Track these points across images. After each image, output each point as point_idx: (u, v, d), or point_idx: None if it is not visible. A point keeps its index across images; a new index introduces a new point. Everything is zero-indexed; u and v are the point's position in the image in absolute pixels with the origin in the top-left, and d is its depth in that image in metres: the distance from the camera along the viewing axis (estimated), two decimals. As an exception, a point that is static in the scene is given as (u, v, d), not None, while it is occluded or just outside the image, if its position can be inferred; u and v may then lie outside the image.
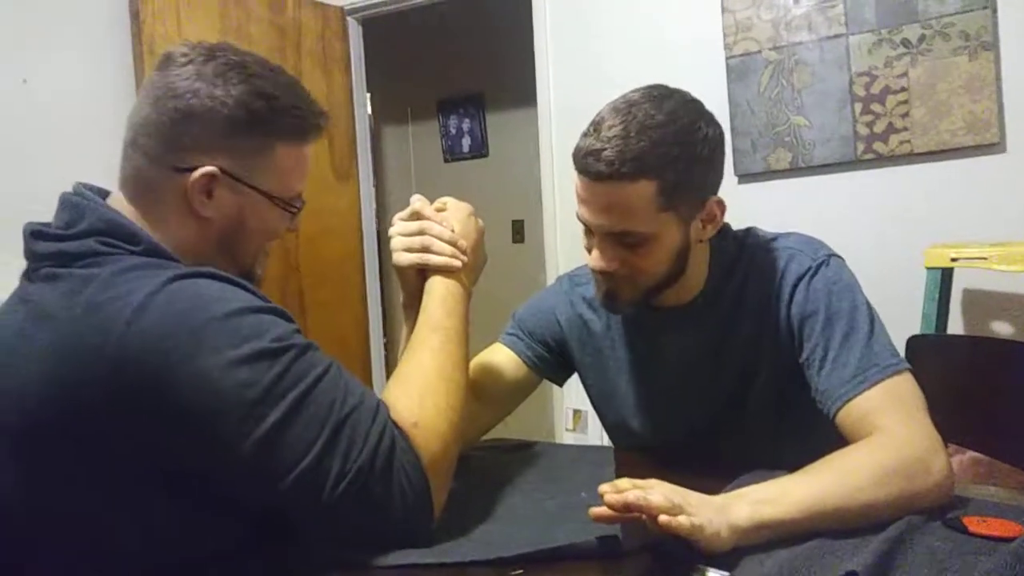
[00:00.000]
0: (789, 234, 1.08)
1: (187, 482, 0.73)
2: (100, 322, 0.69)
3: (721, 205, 1.02)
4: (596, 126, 0.94)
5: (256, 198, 0.84)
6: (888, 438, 0.85)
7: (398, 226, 0.97)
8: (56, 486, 0.72)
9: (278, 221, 0.88)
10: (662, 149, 0.92)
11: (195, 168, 0.79)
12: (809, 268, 1.01)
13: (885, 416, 0.88)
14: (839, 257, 1.03)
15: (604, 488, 0.73)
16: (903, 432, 0.85)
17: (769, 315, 1.03)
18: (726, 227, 1.11)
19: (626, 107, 0.94)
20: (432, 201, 1.00)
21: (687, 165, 0.94)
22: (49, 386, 0.69)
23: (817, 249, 1.03)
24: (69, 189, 0.82)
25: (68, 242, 0.76)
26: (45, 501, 0.72)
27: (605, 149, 0.92)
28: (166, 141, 0.80)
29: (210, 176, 0.80)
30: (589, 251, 1.02)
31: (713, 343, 1.07)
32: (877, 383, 0.90)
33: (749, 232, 1.11)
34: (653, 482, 0.75)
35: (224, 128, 0.80)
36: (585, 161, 0.93)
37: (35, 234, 0.78)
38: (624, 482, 0.74)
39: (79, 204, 0.79)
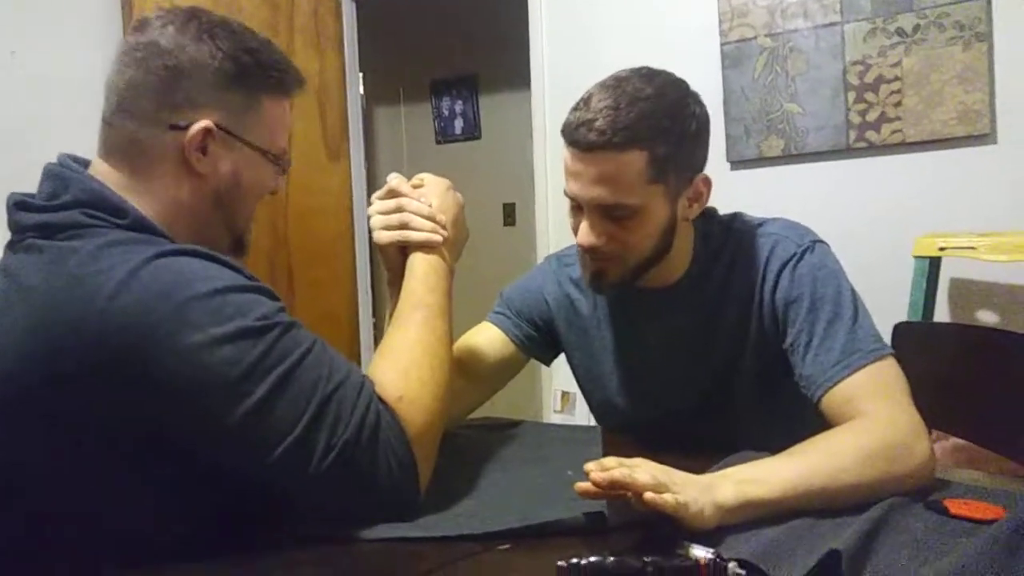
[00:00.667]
0: (775, 220, 1.09)
1: (170, 457, 0.73)
2: (82, 295, 0.68)
3: (707, 184, 1.03)
4: (586, 101, 0.96)
5: (249, 153, 0.85)
6: (872, 422, 0.86)
7: (376, 204, 0.97)
8: (35, 457, 0.71)
9: (269, 177, 0.89)
10: (652, 121, 0.93)
11: (190, 124, 0.80)
12: (794, 254, 1.01)
13: (869, 401, 0.89)
14: (824, 243, 1.04)
15: (590, 466, 0.74)
16: (887, 416, 0.86)
17: (754, 300, 1.03)
18: (712, 211, 1.11)
19: (615, 83, 0.96)
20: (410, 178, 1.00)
21: (677, 139, 0.95)
22: (28, 357, 0.69)
23: (803, 235, 1.04)
24: (48, 162, 0.81)
25: (51, 213, 0.75)
26: (24, 472, 0.72)
27: (596, 120, 0.93)
28: (158, 100, 0.80)
29: (206, 131, 0.80)
30: (575, 230, 1.02)
31: (698, 326, 1.07)
32: (861, 368, 0.91)
33: (735, 217, 1.11)
34: (639, 461, 0.76)
35: (215, 82, 0.81)
36: (576, 133, 0.94)
37: (18, 205, 0.77)
38: (610, 460, 0.75)
39: (63, 175, 0.78)
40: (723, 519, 0.73)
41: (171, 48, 0.79)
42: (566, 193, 1.01)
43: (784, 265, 1.01)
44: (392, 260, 0.97)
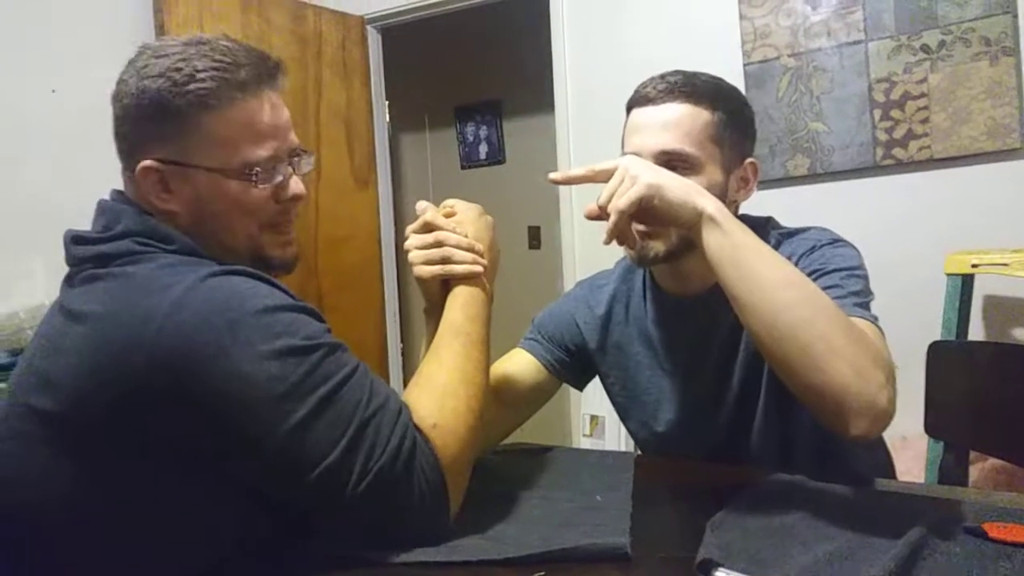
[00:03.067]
0: (808, 228, 1.09)
1: (215, 475, 0.74)
2: (138, 316, 0.71)
3: (755, 169, 1.09)
4: (651, 77, 1.05)
5: (205, 176, 0.81)
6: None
7: (413, 239, 0.96)
8: (98, 478, 0.73)
9: (244, 194, 0.82)
10: (715, 89, 1.04)
11: (135, 168, 0.81)
12: (814, 246, 1.03)
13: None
14: (852, 245, 1.04)
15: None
16: (869, 335, 0.85)
17: None
18: (744, 215, 1.12)
19: (676, 70, 1.05)
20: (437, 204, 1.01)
21: (735, 112, 1.04)
22: (88, 377, 0.71)
23: (830, 236, 1.06)
24: (101, 196, 0.85)
25: (106, 244, 0.79)
26: (88, 493, 0.74)
27: (670, 78, 1.03)
28: (120, 149, 0.83)
29: (152, 169, 0.80)
30: None
31: (729, 332, 1.07)
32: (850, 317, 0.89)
33: (769, 221, 1.13)
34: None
35: (142, 119, 0.80)
36: (645, 89, 1.03)
37: (75, 239, 0.81)
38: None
39: (115, 208, 0.82)
40: (692, 214, 0.85)
41: (117, 92, 0.81)
42: (625, 152, 1.04)
43: (803, 255, 1.03)
44: (433, 293, 0.97)
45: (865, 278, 0.99)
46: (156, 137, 0.80)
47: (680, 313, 1.11)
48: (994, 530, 0.74)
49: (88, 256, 0.79)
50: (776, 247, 1.06)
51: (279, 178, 0.85)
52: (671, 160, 0.99)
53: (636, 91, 1.05)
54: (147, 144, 0.81)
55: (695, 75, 1.04)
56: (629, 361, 1.17)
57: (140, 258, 0.77)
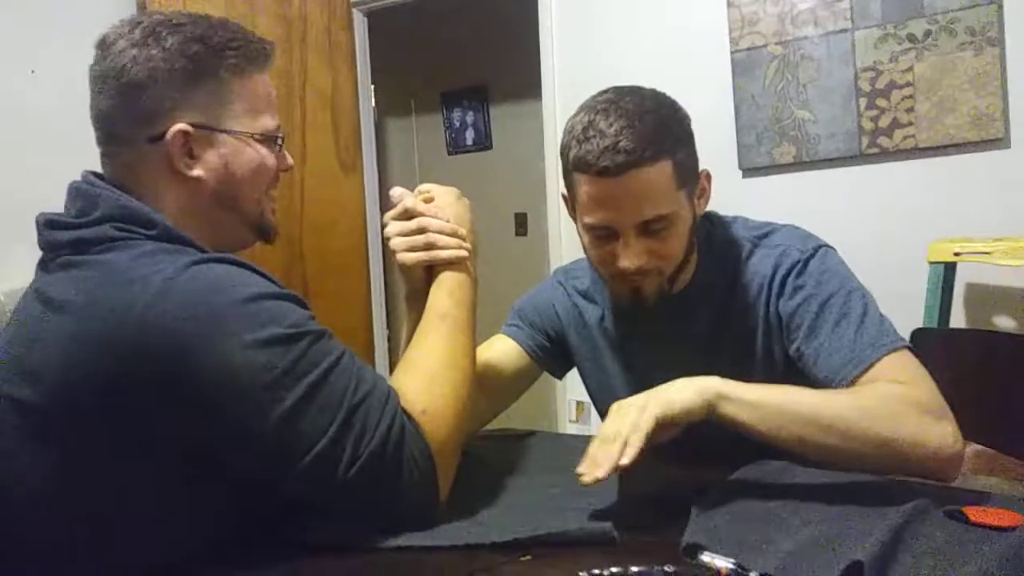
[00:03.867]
0: (779, 229, 1.09)
1: (204, 465, 0.74)
2: (119, 305, 0.70)
3: (709, 178, 1.05)
4: (590, 129, 0.94)
5: (234, 142, 0.83)
6: (888, 385, 0.87)
7: (394, 226, 0.96)
8: (79, 468, 0.73)
9: (266, 159, 0.86)
10: (665, 129, 0.96)
11: (165, 132, 0.79)
12: (798, 260, 1.02)
13: (891, 378, 0.89)
14: (829, 247, 1.04)
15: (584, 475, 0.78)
16: (913, 384, 0.87)
17: (759, 312, 1.03)
18: (711, 214, 1.11)
19: (610, 105, 0.96)
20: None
21: (685, 142, 0.99)
22: (70, 369, 0.71)
23: (806, 241, 1.04)
24: (72, 180, 0.82)
25: (84, 229, 0.77)
26: (71, 484, 0.73)
27: (619, 140, 0.92)
28: (130, 118, 0.80)
29: (183, 134, 0.80)
30: (602, 259, 1.01)
31: (706, 335, 1.07)
32: (874, 363, 0.91)
33: (737, 221, 1.11)
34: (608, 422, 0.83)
35: (175, 83, 0.79)
36: (601, 160, 0.93)
37: (49, 223, 0.79)
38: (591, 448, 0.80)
39: (91, 192, 0.79)
40: (704, 403, 0.82)
41: (124, 64, 0.79)
42: (591, 225, 0.99)
43: (788, 273, 1.01)
44: (417, 279, 0.96)
45: (858, 285, 0.99)
46: (186, 101, 0.80)
47: (649, 315, 1.09)
48: (975, 514, 0.75)
49: (65, 241, 0.77)
50: (750, 255, 1.06)
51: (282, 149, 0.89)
52: (649, 226, 0.97)
53: (584, 157, 0.94)
54: (174, 109, 0.80)
55: (641, 118, 0.94)
56: (601, 357, 1.17)
57: (119, 245, 0.75)
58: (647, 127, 0.93)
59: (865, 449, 0.80)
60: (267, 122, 0.86)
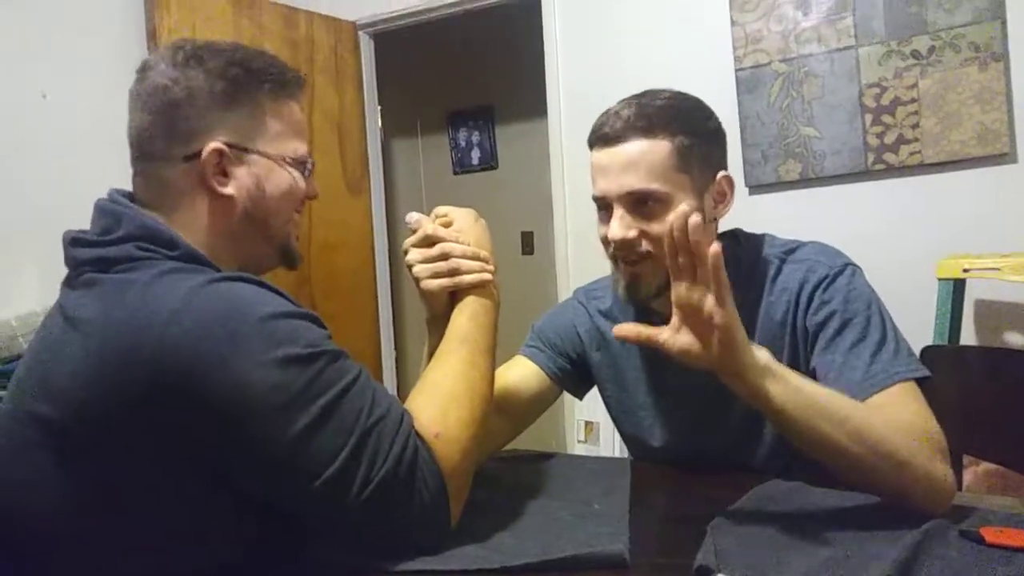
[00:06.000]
0: (808, 244, 1.08)
1: (218, 483, 0.74)
2: (139, 324, 0.70)
3: (730, 183, 1.05)
4: (606, 111, 1.02)
5: (265, 163, 0.85)
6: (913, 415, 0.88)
7: (415, 254, 0.94)
8: (99, 486, 0.73)
9: (296, 183, 0.88)
10: (673, 113, 1.00)
11: (201, 150, 0.81)
12: (826, 276, 1.01)
13: (896, 410, 0.88)
14: (856, 266, 1.04)
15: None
16: (919, 419, 0.87)
17: (786, 327, 1.03)
18: (739, 232, 1.11)
19: (632, 96, 1.03)
20: (428, 211, 0.99)
21: (696, 132, 1.01)
22: (89, 387, 0.71)
23: (834, 258, 1.04)
24: (98, 198, 0.83)
25: (107, 247, 0.78)
26: (88, 501, 0.73)
27: (620, 111, 1.00)
28: (167, 136, 0.82)
29: (218, 152, 0.81)
30: (604, 237, 1.03)
31: None
32: (883, 388, 0.90)
33: (764, 239, 1.11)
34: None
35: (213, 103, 0.82)
36: (602, 128, 1.00)
37: (74, 241, 0.80)
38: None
39: (115, 211, 0.80)
40: (748, 367, 0.82)
41: (165, 83, 0.81)
42: (594, 197, 1.03)
43: (816, 288, 1.01)
44: (440, 305, 0.95)
45: (881, 308, 0.99)
46: (223, 121, 0.82)
47: None
48: (991, 534, 0.74)
49: (87, 259, 0.78)
50: (778, 272, 1.06)
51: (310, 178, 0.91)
52: (640, 199, 0.98)
53: (593, 128, 1.02)
54: (211, 129, 0.82)
55: (652, 100, 1.01)
56: (624, 377, 1.17)
57: (140, 264, 0.76)
58: (653, 106, 0.99)
59: (881, 465, 0.79)
60: (298, 147, 0.88)
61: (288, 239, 0.90)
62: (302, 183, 0.89)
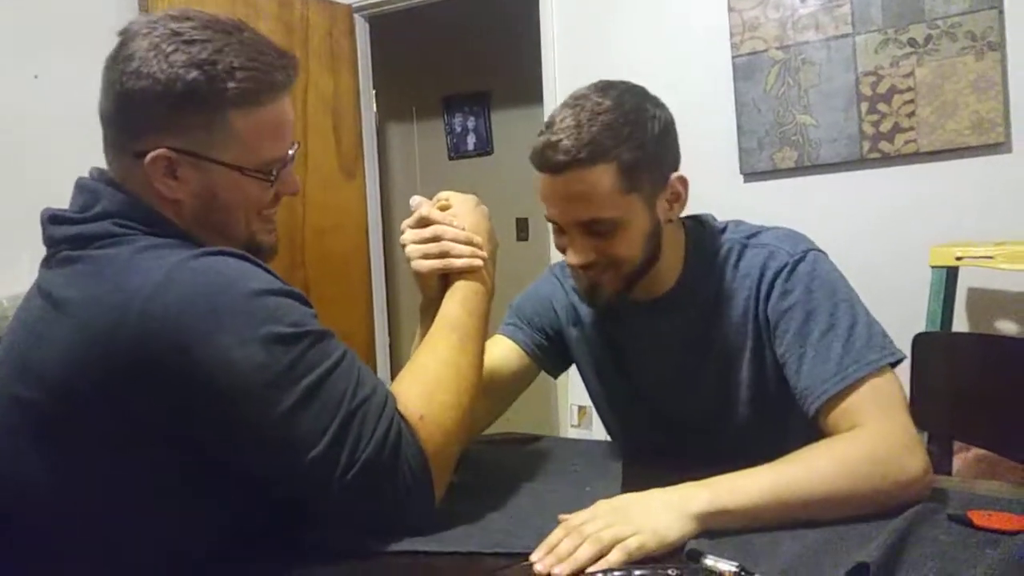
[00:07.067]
0: (771, 229, 1.08)
1: (201, 463, 0.74)
2: (120, 300, 0.69)
3: (683, 182, 1.02)
4: (549, 124, 0.97)
5: (222, 172, 0.79)
6: (862, 434, 0.86)
7: (409, 234, 0.95)
8: (81, 468, 0.73)
9: (257, 191, 0.82)
10: (614, 131, 0.94)
11: (148, 151, 0.76)
12: (786, 264, 1.00)
13: (862, 413, 0.88)
14: (820, 251, 1.02)
15: (539, 563, 0.72)
16: (878, 428, 0.86)
17: (748, 313, 1.03)
18: (705, 218, 1.11)
19: (574, 101, 0.98)
20: (431, 196, 0.99)
21: (640, 143, 0.96)
22: (70, 367, 0.70)
23: (796, 244, 1.02)
24: (79, 176, 0.82)
25: (84, 224, 0.76)
26: (73, 483, 0.73)
27: (560, 140, 0.94)
28: (120, 129, 0.78)
29: (164, 158, 0.76)
30: (562, 250, 1.02)
31: (694, 337, 1.07)
32: (857, 381, 0.90)
33: (729, 225, 1.11)
34: (584, 516, 0.76)
35: (163, 106, 0.75)
36: (543, 156, 0.95)
37: (52, 219, 0.79)
38: (556, 534, 0.75)
39: (95, 188, 0.79)
40: (700, 526, 0.75)
41: (124, 73, 0.75)
42: (547, 218, 1.01)
43: (776, 275, 1.00)
44: (432, 288, 0.96)
45: (847, 294, 0.97)
46: (176, 125, 0.76)
47: (629, 317, 1.10)
48: (979, 518, 0.75)
49: (65, 237, 0.77)
50: (740, 258, 1.05)
51: (285, 175, 0.85)
52: (591, 227, 0.97)
53: (535, 149, 0.96)
54: (163, 130, 0.76)
55: (591, 120, 0.94)
56: (596, 358, 1.17)
57: (119, 240, 0.75)
58: (592, 129, 0.94)
59: (858, 504, 0.79)
60: (268, 152, 0.81)
61: (252, 238, 0.84)
62: (265, 191, 0.83)
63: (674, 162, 1.02)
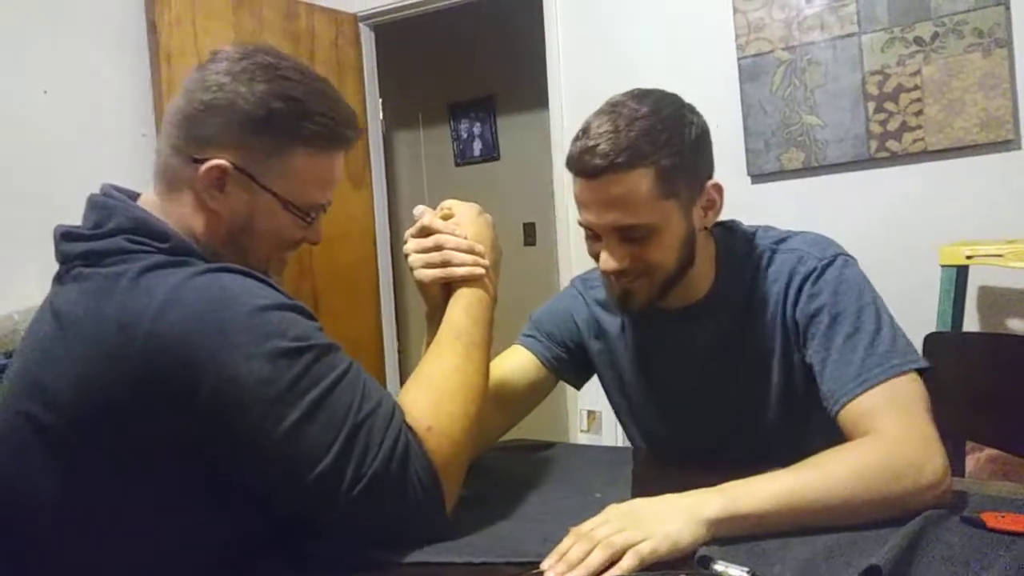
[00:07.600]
0: (800, 233, 1.08)
1: (210, 479, 0.74)
2: (127, 318, 0.70)
3: (719, 189, 1.03)
4: (585, 130, 0.97)
5: (267, 199, 0.83)
6: (880, 437, 0.85)
7: (412, 243, 0.96)
8: (87, 483, 0.73)
9: (290, 227, 0.86)
10: (652, 136, 0.94)
11: (207, 160, 0.80)
12: (815, 268, 1.00)
13: (883, 416, 0.88)
14: (848, 256, 1.03)
15: (548, 572, 0.71)
16: (897, 432, 0.85)
17: (777, 317, 1.03)
18: (734, 224, 1.11)
19: (611, 108, 0.97)
20: (438, 202, 1.00)
21: (679, 149, 0.96)
22: (80, 385, 0.71)
23: (825, 248, 1.03)
24: (91, 193, 0.83)
25: (96, 241, 0.77)
26: (80, 500, 0.73)
27: (599, 144, 0.94)
28: (188, 131, 0.81)
29: (221, 169, 0.80)
30: (596, 257, 1.02)
31: (723, 345, 1.07)
32: (878, 383, 0.90)
33: (759, 231, 1.11)
34: (597, 522, 0.75)
35: (241, 124, 0.80)
36: (581, 161, 0.95)
37: (65, 235, 0.80)
38: (566, 542, 0.73)
39: (107, 204, 0.80)
40: (714, 533, 0.74)
41: (212, 84, 0.80)
42: (580, 223, 1.01)
43: (805, 280, 1.01)
44: (434, 297, 0.96)
45: (873, 299, 0.98)
46: (243, 145, 0.80)
47: (660, 325, 1.10)
48: (992, 520, 0.74)
49: (77, 253, 0.78)
50: (769, 263, 1.05)
51: (315, 223, 0.89)
52: (627, 233, 0.97)
53: (571, 155, 0.97)
54: (229, 146, 0.80)
55: (629, 125, 0.94)
56: (620, 368, 1.17)
57: (130, 257, 0.75)
58: (630, 134, 0.93)
59: (874, 509, 0.78)
60: (312, 196, 0.86)
61: (265, 272, 0.86)
62: (297, 230, 0.87)
63: (709, 169, 1.02)
